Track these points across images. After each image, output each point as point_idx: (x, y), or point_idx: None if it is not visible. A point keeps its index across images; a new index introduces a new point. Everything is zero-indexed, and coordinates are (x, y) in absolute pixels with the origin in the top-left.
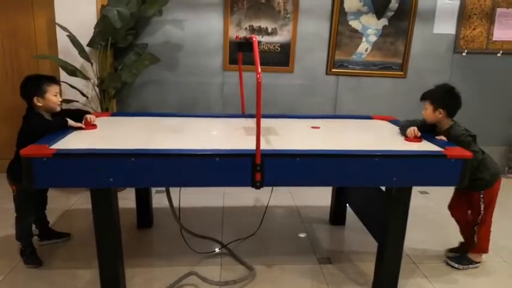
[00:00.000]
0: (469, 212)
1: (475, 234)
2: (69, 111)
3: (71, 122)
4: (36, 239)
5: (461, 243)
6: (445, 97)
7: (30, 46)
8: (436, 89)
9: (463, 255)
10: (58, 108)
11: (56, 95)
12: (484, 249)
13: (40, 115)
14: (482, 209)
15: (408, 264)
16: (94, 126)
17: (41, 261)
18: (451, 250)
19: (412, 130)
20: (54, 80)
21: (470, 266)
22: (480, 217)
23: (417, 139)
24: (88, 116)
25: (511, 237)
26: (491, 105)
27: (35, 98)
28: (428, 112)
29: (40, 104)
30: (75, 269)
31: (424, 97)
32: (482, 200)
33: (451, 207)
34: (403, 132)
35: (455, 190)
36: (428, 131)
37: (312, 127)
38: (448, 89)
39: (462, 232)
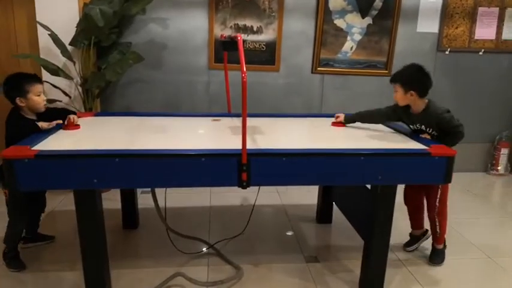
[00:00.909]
0: (422, 201)
1: (437, 226)
2: (55, 109)
3: (42, 124)
4: (20, 243)
5: (411, 234)
6: (414, 77)
7: (10, 45)
8: (405, 70)
9: (435, 251)
10: (43, 108)
11: (39, 95)
12: (443, 239)
13: (19, 117)
14: (437, 202)
15: (394, 261)
16: (77, 126)
17: (24, 265)
18: (406, 244)
19: (336, 115)
20: (36, 79)
21: (445, 255)
22: (437, 209)
23: (341, 124)
24: (71, 116)
25: (494, 234)
26: (474, 103)
27: (18, 98)
28: (399, 95)
29: (23, 105)
30: (60, 272)
31: (394, 79)
32: (439, 191)
33: (406, 199)
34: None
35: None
36: (401, 118)
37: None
38: (417, 68)
39: (411, 220)
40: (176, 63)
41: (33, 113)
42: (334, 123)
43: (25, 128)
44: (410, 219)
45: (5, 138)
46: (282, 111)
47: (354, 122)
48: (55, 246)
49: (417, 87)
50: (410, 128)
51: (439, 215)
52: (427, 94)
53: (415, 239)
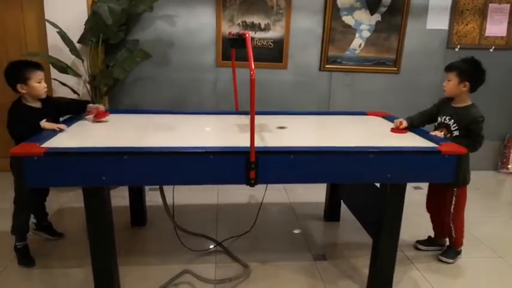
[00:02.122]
0: (444, 209)
1: (452, 231)
2: (67, 102)
3: (44, 125)
4: (32, 226)
5: (429, 237)
6: (473, 70)
7: (20, 43)
8: (464, 61)
9: (449, 249)
10: (43, 95)
11: (39, 82)
12: (461, 243)
13: (20, 105)
14: (452, 208)
15: (403, 260)
16: (107, 113)
17: (34, 261)
18: (419, 242)
19: (399, 122)
20: (37, 66)
21: (458, 256)
22: (451, 215)
23: (402, 130)
24: (100, 107)
25: (505, 233)
26: (484, 101)
27: (18, 85)
28: (452, 84)
29: (24, 91)
30: (68, 268)
31: (451, 68)
32: (454, 197)
33: (428, 205)
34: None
35: (430, 188)
36: (437, 111)
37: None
38: (476, 62)
39: (435, 228)
40: (183, 61)
41: (34, 100)
42: (395, 130)
43: (21, 114)
44: (433, 227)
45: (8, 129)
46: (290, 109)
47: (417, 126)
48: (64, 243)
49: (473, 79)
50: (437, 120)
51: (454, 221)
52: (476, 91)
53: (432, 242)
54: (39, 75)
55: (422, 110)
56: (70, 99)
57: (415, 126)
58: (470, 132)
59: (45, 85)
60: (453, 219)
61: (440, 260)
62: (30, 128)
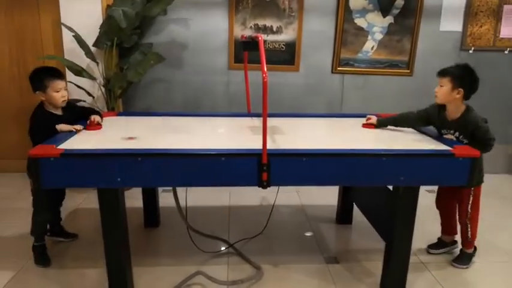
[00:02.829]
0: (457, 208)
1: (468, 231)
2: (83, 108)
3: (60, 127)
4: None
5: (439, 239)
6: (467, 77)
7: (36, 47)
8: (458, 67)
9: (462, 254)
10: (61, 104)
11: (58, 91)
12: (473, 244)
13: (42, 111)
14: (469, 207)
15: (416, 264)
16: (99, 126)
17: (50, 261)
18: (432, 246)
19: (368, 117)
20: (58, 75)
21: (472, 260)
22: (469, 214)
23: (371, 126)
24: (92, 117)
25: None
26: (499, 104)
27: (38, 92)
28: (445, 90)
29: (43, 98)
30: (83, 268)
31: (444, 73)
32: (472, 196)
33: (438, 203)
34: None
35: (440, 187)
36: (431, 122)
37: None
38: (470, 69)
39: (443, 225)
40: (196, 64)
41: (55, 107)
42: (365, 125)
43: (42, 120)
44: (442, 223)
45: (29, 134)
46: (302, 111)
47: (386, 126)
48: (79, 244)
49: (467, 86)
50: (441, 133)
51: (471, 220)
52: (469, 99)
53: (442, 244)
54: (58, 84)
55: (407, 112)
56: (88, 107)
57: (392, 125)
58: (478, 138)
59: (65, 94)
60: (470, 219)
61: (454, 267)
62: (48, 135)
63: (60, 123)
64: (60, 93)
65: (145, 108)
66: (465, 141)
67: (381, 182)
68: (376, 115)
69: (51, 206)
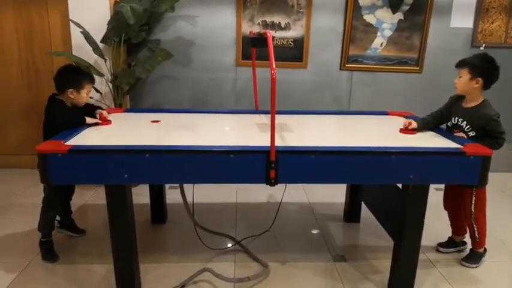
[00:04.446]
0: (462, 208)
1: (475, 232)
2: (88, 104)
3: (88, 119)
4: (56, 223)
5: (449, 238)
6: (486, 66)
7: (45, 43)
8: (477, 57)
9: (472, 252)
10: (82, 105)
11: (87, 93)
12: (483, 244)
13: (61, 103)
14: (473, 208)
15: (425, 262)
16: (109, 121)
17: (57, 257)
18: (442, 245)
19: (408, 122)
20: (92, 79)
21: (482, 260)
22: (473, 215)
23: (410, 131)
24: (102, 112)
25: None
26: (509, 101)
27: (70, 90)
28: (463, 80)
29: (72, 97)
30: (91, 264)
31: (462, 63)
32: (474, 197)
33: (445, 203)
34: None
35: (447, 187)
36: (449, 111)
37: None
38: (489, 58)
39: (452, 225)
40: (204, 60)
41: (71, 104)
42: (404, 131)
43: (69, 115)
44: (451, 224)
45: (45, 126)
46: (310, 108)
47: (428, 128)
48: (86, 240)
49: (486, 76)
50: (450, 120)
51: (476, 221)
52: (489, 88)
53: (453, 243)
54: (90, 87)
55: (433, 112)
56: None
57: (430, 128)
58: (489, 132)
59: (89, 98)
60: (475, 219)
61: (464, 266)
62: (69, 123)
63: (75, 115)
64: (88, 95)
65: (153, 105)
66: (471, 134)
67: (390, 180)
68: (387, 113)
69: (62, 202)
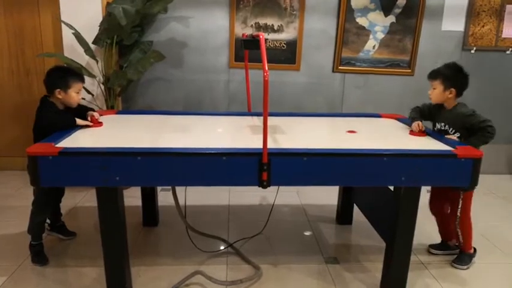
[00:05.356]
0: (448, 210)
1: (459, 236)
2: (80, 105)
3: (79, 121)
4: (46, 226)
5: (442, 241)
6: (456, 76)
7: (36, 44)
8: (446, 68)
9: (462, 254)
10: (74, 106)
11: (77, 92)
12: (470, 246)
13: (53, 105)
14: (459, 212)
15: (416, 264)
16: (100, 123)
17: (47, 260)
18: (434, 246)
19: (417, 124)
20: (81, 78)
21: (472, 261)
22: (457, 219)
23: (422, 133)
24: (94, 114)
25: None
26: (500, 103)
27: (58, 90)
28: (437, 92)
29: (60, 97)
30: (81, 267)
31: (434, 76)
32: (461, 200)
33: (432, 207)
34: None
35: (433, 190)
36: (432, 116)
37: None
38: (458, 68)
39: (441, 230)
40: (197, 62)
41: (63, 106)
42: (414, 133)
43: (60, 116)
44: (440, 230)
45: (36, 128)
46: (303, 110)
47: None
48: (77, 242)
49: (458, 86)
50: (435, 126)
51: (460, 225)
52: (462, 95)
53: (445, 246)
54: (79, 86)
55: (415, 107)
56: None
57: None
58: (473, 126)
59: (81, 97)
60: (460, 223)
61: (454, 267)
62: (60, 125)
63: (66, 117)
64: (79, 94)
65: (145, 107)
66: (457, 134)
67: (382, 182)
68: (379, 115)
69: (51, 205)
